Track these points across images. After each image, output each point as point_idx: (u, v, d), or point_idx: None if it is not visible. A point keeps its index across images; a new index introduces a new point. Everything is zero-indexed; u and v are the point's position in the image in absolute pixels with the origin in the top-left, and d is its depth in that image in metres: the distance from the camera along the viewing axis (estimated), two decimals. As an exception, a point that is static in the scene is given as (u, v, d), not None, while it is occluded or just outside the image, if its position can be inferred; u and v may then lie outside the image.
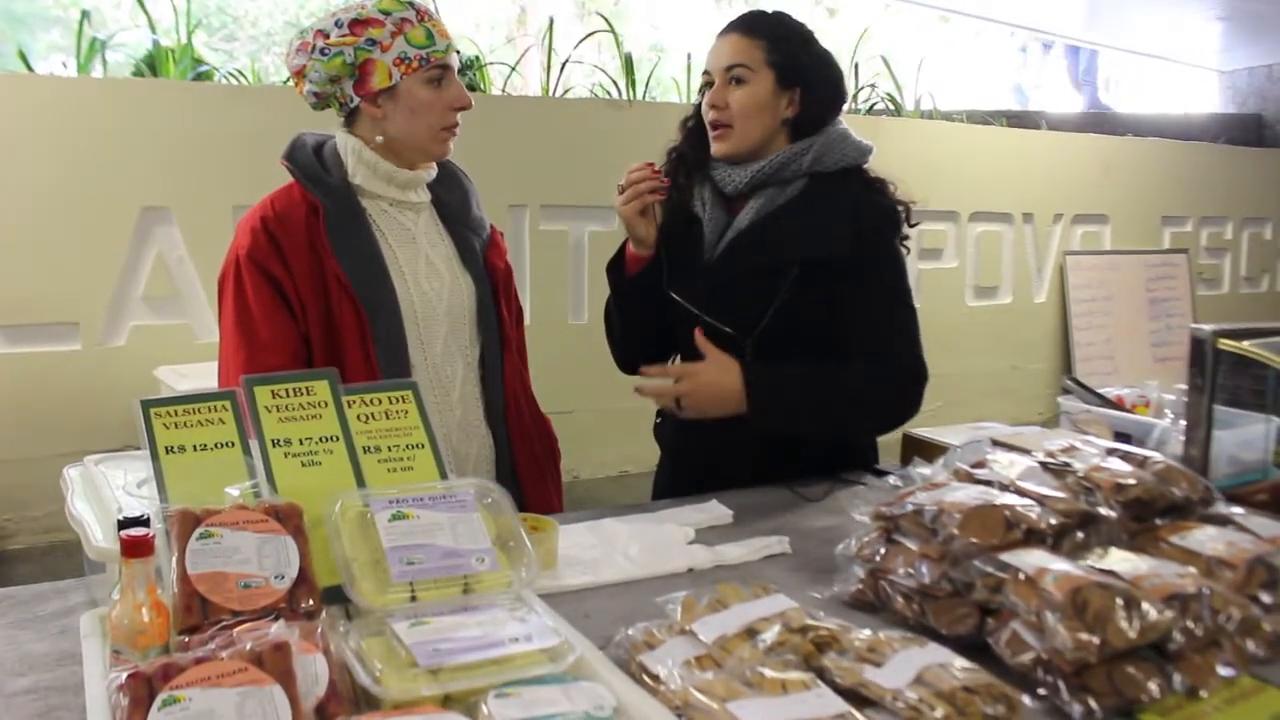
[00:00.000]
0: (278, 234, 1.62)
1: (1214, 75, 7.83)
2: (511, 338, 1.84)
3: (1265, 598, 1.12)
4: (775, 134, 1.74)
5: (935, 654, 0.99)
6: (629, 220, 1.76)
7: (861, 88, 5.43)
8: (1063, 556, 1.10)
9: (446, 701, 0.88)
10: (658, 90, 5.00)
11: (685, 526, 1.52)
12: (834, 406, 1.69)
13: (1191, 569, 1.11)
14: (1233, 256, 6.73)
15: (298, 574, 0.99)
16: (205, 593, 0.94)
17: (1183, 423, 1.53)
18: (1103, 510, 1.18)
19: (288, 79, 3.82)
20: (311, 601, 0.98)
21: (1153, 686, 0.98)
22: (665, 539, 1.47)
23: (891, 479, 1.40)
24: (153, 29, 3.98)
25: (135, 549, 0.92)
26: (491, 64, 4.72)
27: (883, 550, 1.23)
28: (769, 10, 1.79)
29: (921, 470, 1.37)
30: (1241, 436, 1.53)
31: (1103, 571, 1.06)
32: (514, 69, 4.78)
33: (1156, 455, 1.33)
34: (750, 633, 1.04)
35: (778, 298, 1.68)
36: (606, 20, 4.79)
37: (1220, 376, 1.45)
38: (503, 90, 4.73)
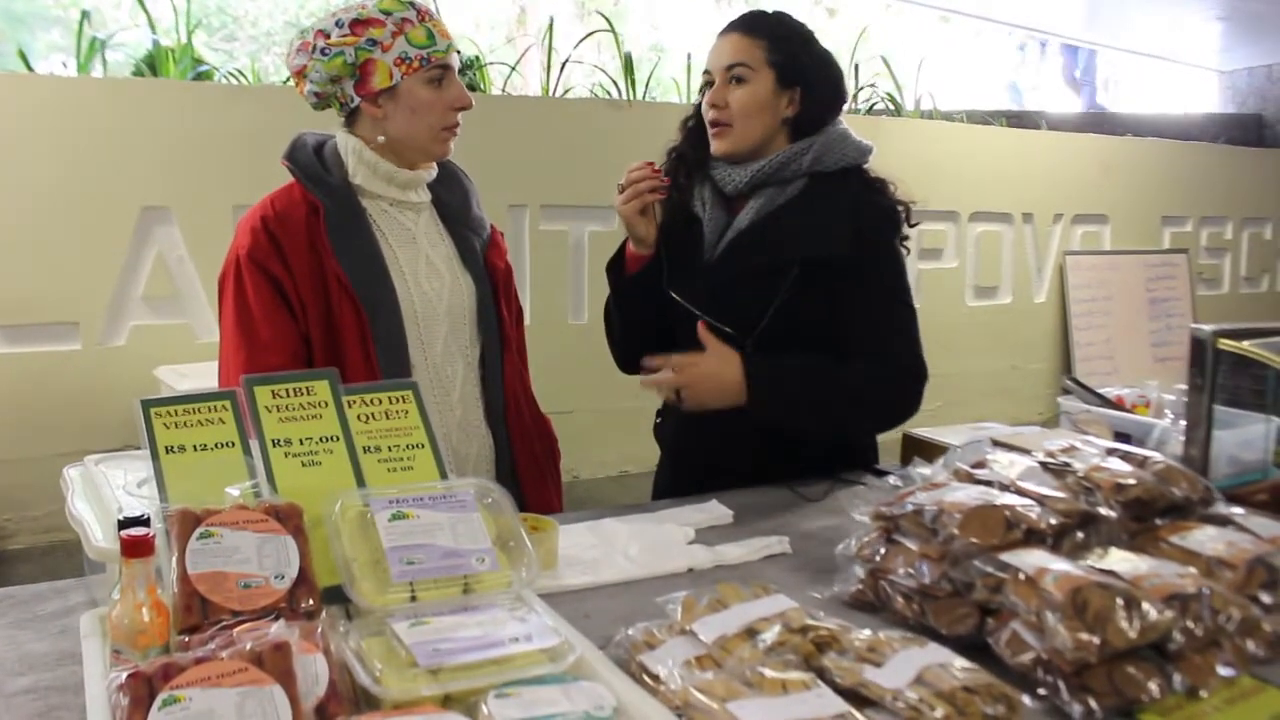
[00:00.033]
0: (278, 234, 1.62)
1: (1214, 75, 7.83)
2: (511, 338, 1.84)
3: (1265, 598, 1.12)
4: (775, 133, 1.74)
5: (935, 654, 0.99)
6: (629, 219, 1.76)
7: (862, 88, 5.43)
8: (1063, 556, 1.10)
9: (446, 701, 0.88)
10: (658, 90, 5.00)
11: (685, 526, 1.52)
12: (834, 402, 1.69)
13: (1191, 569, 1.11)
14: (1232, 256, 6.73)
15: (298, 574, 0.98)
16: (205, 592, 0.94)
17: (1183, 423, 1.53)
18: (1103, 510, 1.18)
19: (287, 79, 3.82)
20: (311, 601, 0.98)
21: (1153, 686, 0.98)
22: (665, 539, 1.47)
23: (891, 479, 1.40)
24: (153, 29, 3.98)
25: (135, 549, 0.92)
26: (491, 64, 4.72)
27: (883, 550, 1.23)
28: (769, 10, 1.79)
29: (921, 470, 1.37)
30: (1241, 436, 1.53)
31: (1103, 571, 1.06)
32: (514, 69, 4.78)
33: (1156, 455, 1.33)
34: (750, 633, 1.04)
35: (778, 297, 1.68)
36: (607, 19, 4.79)
37: (1220, 376, 1.45)
38: (503, 90, 4.73)
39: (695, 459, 1.84)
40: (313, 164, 1.68)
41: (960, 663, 0.97)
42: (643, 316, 1.82)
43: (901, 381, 1.72)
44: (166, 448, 1.10)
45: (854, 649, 1.01)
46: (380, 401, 1.23)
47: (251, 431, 1.15)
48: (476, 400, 1.77)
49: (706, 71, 1.77)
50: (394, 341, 1.65)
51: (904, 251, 1.77)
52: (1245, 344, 1.45)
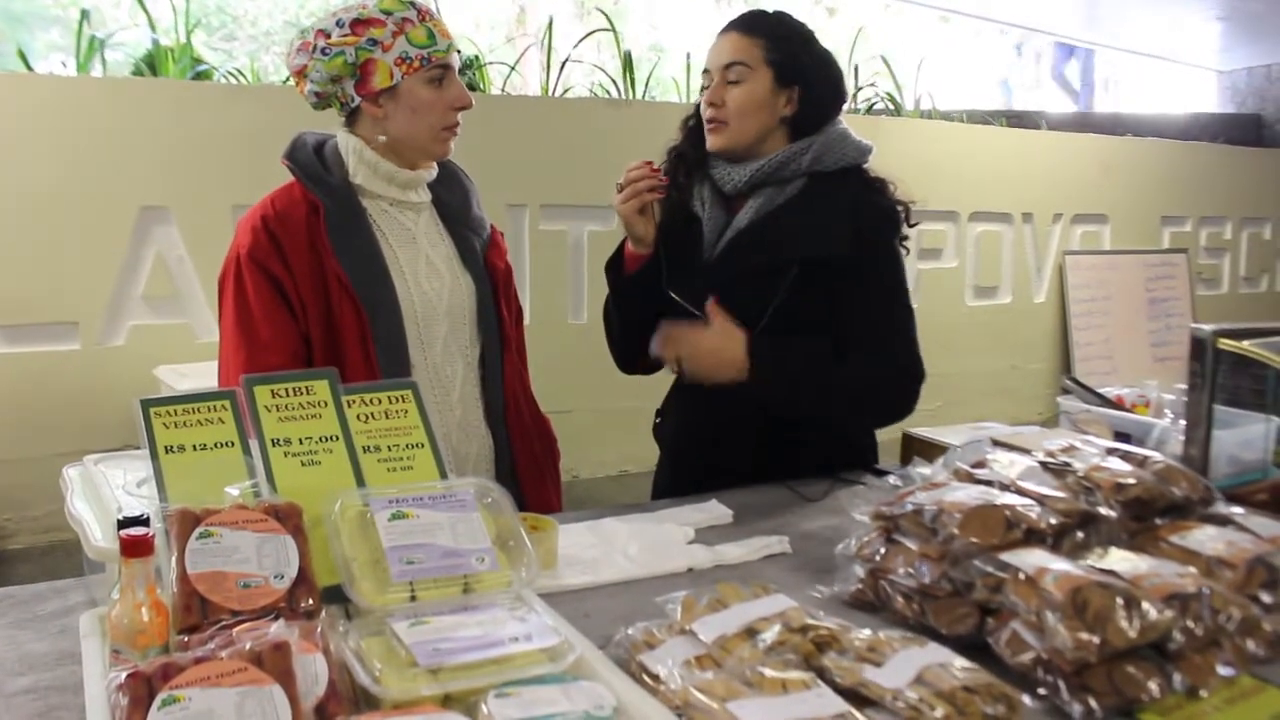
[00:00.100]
0: (278, 233, 1.61)
1: (1213, 75, 7.84)
2: (511, 338, 1.83)
3: (1265, 597, 1.12)
4: (772, 132, 1.74)
5: (935, 654, 0.99)
6: (627, 219, 1.76)
7: (861, 87, 5.44)
8: (1063, 556, 1.10)
9: (446, 701, 0.88)
10: (657, 90, 5.00)
11: (685, 526, 1.52)
12: (834, 390, 1.69)
13: (1191, 569, 1.11)
14: (1232, 256, 6.73)
15: (297, 573, 0.98)
16: (205, 592, 0.94)
17: (1182, 422, 1.53)
18: (1103, 510, 1.18)
19: (287, 78, 3.83)
20: (311, 601, 0.98)
21: (1153, 686, 0.98)
22: (665, 539, 1.47)
23: (891, 479, 1.40)
24: (152, 28, 3.98)
25: (135, 548, 0.92)
26: (491, 64, 4.72)
27: (883, 550, 1.23)
28: (769, 9, 1.79)
29: (921, 470, 1.37)
30: (1241, 436, 1.53)
31: (1103, 571, 1.06)
32: (513, 68, 4.78)
33: (1156, 455, 1.33)
34: (750, 632, 1.04)
35: (777, 297, 1.68)
36: (607, 17, 4.79)
37: (1220, 376, 1.45)
38: (502, 90, 4.73)
39: (695, 459, 1.84)
40: (313, 163, 1.68)
41: (960, 662, 0.97)
42: (642, 316, 1.82)
43: (899, 380, 1.72)
44: (166, 447, 1.10)
45: (854, 649, 1.01)
46: (380, 401, 1.23)
47: (251, 431, 1.15)
48: (476, 400, 1.77)
49: (706, 71, 1.77)
50: (394, 341, 1.65)
51: (904, 251, 1.77)
52: (1245, 344, 1.45)
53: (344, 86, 1.65)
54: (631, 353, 1.90)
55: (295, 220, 1.63)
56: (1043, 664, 1.00)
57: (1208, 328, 1.44)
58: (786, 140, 1.75)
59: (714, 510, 1.60)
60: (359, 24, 1.62)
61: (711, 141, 1.75)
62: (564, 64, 4.58)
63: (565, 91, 4.62)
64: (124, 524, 0.94)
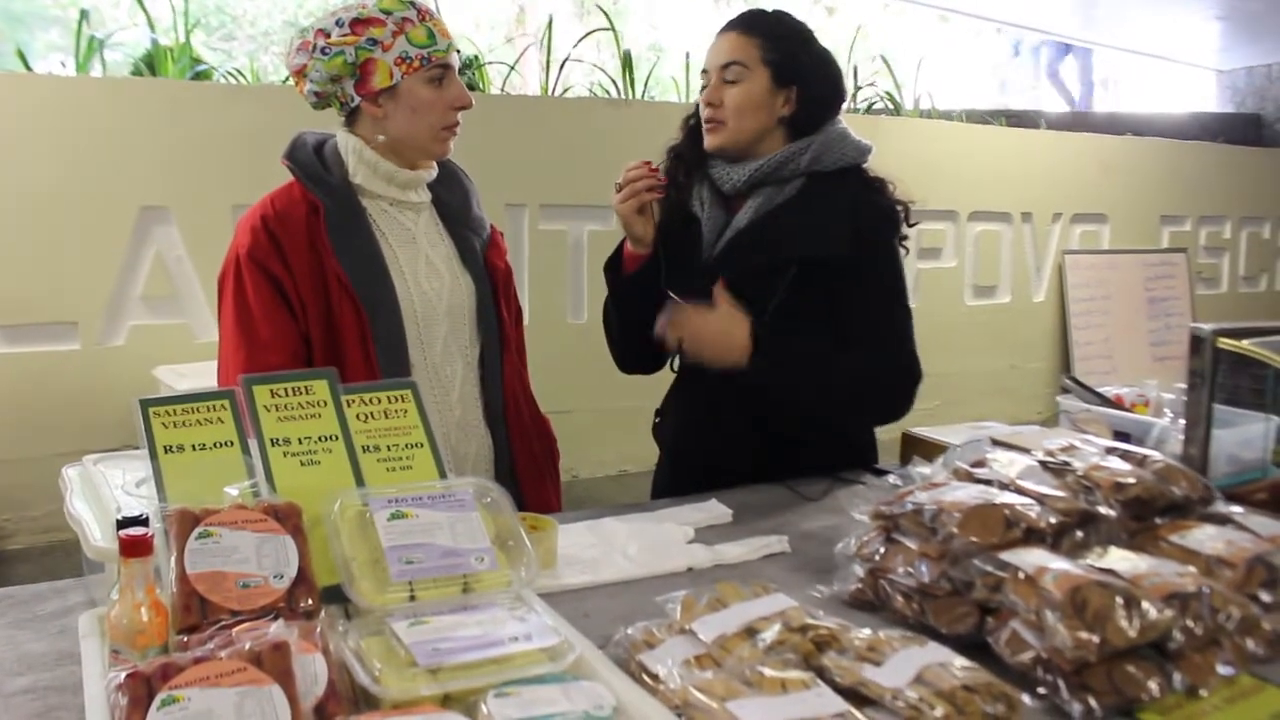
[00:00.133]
0: (278, 233, 1.61)
1: (1212, 75, 7.84)
2: (511, 337, 1.83)
3: (1265, 596, 1.12)
4: (769, 131, 1.74)
5: (935, 653, 0.99)
6: (626, 219, 1.76)
7: (861, 87, 5.44)
8: (1062, 555, 1.10)
9: (446, 701, 0.88)
10: (657, 89, 5.00)
11: (684, 526, 1.52)
12: (832, 384, 1.68)
13: (1191, 568, 1.11)
14: (1231, 256, 6.73)
15: (296, 573, 0.98)
16: (204, 592, 0.94)
17: (1182, 422, 1.53)
18: (1102, 509, 1.18)
19: (286, 78, 3.83)
20: (310, 601, 0.97)
21: (1152, 685, 0.98)
22: (664, 538, 1.47)
23: (891, 478, 1.40)
24: (151, 28, 3.98)
25: (134, 548, 0.92)
26: (490, 63, 4.72)
27: (882, 549, 1.23)
28: (768, 9, 1.79)
29: (921, 469, 1.37)
30: (1241, 435, 1.53)
31: (1102, 570, 1.06)
32: (513, 68, 4.78)
33: (1156, 454, 1.33)
34: (750, 632, 1.04)
35: (776, 297, 1.68)
36: (606, 16, 4.78)
37: (1219, 375, 1.45)
38: (502, 90, 4.73)
39: (694, 459, 1.84)
40: (313, 163, 1.68)
41: (960, 662, 0.97)
42: (641, 316, 1.82)
43: (897, 379, 1.72)
44: (165, 447, 1.10)
45: (853, 648, 1.01)
46: (379, 401, 1.23)
47: (250, 431, 1.15)
48: (476, 400, 1.77)
49: (704, 70, 1.77)
50: (394, 341, 1.65)
51: (903, 251, 1.77)
52: (1244, 343, 1.45)
53: (344, 86, 1.65)
54: (631, 353, 1.90)
55: (295, 220, 1.63)
56: (1042, 663, 1.00)
57: (1207, 327, 1.44)
58: (785, 140, 1.75)
59: (713, 510, 1.60)
60: (359, 23, 1.62)
61: (709, 141, 1.75)
62: (563, 64, 4.58)
63: (565, 91, 4.62)
64: (123, 524, 0.94)
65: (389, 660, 0.90)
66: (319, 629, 0.91)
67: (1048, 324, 5.95)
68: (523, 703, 0.85)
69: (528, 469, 1.82)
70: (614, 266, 1.86)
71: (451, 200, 1.80)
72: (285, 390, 1.19)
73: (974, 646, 1.06)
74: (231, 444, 1.13)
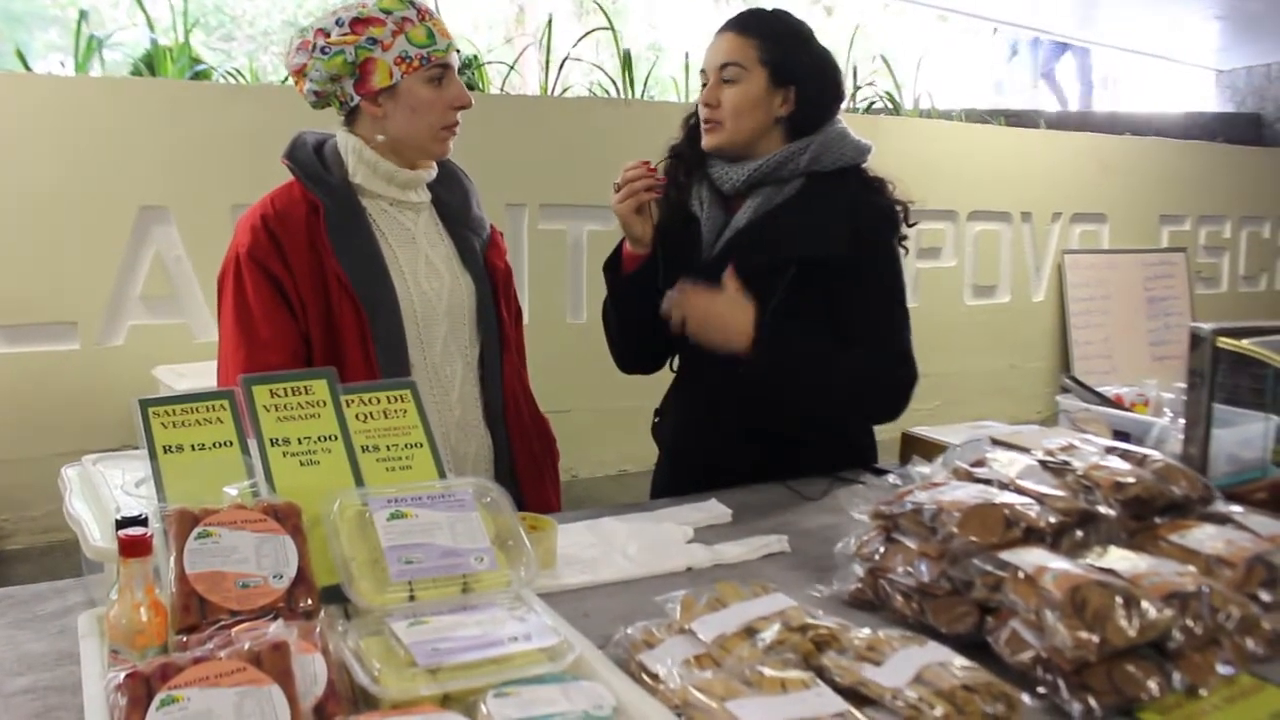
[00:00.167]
0: (278, 232, 1.61)
1: (1212, 74, 7.84)
2: (511, 337, 1.83)
3: (1264, 596, 1.12)
4: (768, 131, 1.74)
5: (935, 653, 0.99)
6: (625, 218, 1.76)
7: (860, 86, 5.43)
8: (1062, 555, 1.10)
9: (445, 701, 0.88)
10: (656, 89, 5.00)
11: (684, 525, 1.52)
12: (830, 380, 1.68)
13: (1191, 567, 1.11)
14: (1231, 255, 6.73)
15: (296, 573, 0.98)
16: (203, 592, 0.94)
17: (1181, 421, 1.53)
18: (1102, 509, 1.18)
19: (286, 78, 3.82)
20: (310, 601, 0.97)
21: (1152, 685, 0.98)
22: (664, 538, 1.47)
23: (890, 478, 1.40)
24: (151, 28, 3.98)
25: (133, 548, 0.92)
26: (490, 63, 4.72)
27: (882, 549, 1.23)
28: (767, 9, 1.79)
29: (920, 469, 1.37)
30: (1240, 435, 1.53)
31: (1102, 570, 1.06)
32: (512, 68, 4.78)
33: (1155, 454, 1.33)
34: (749, 631, 1.04)
35: (775, 297, 1.68)
36: (606, 15, 4.78)
37: (1219, 375, 1.45)
38: (501, 89, 4.73)
39: (694, 459, 1.84)
40: (313, 163, 1.68)
41: (960, 661, 0.97)
42: (640, 316, 1.82)
43: (895, 379, 1.72)
44: (164, 447, 1.10)
45: (853, 648, 1.01)
46: (379, 401, 1.23)
47: (250, 431, 1.15)
48: (475, 400, 1.77)
49: (703, 71, 1.77)
50: (393, 341, 1.65)
51: (902, 251, 1.77)
52: (1244, 342, 1.45)
53: (343, 86, 1.65)
54: (630, 352, 1.90)
55: (295, 220, 1.63)
56: (1042, 663, 1.00)
57: (1207, 326, 1.44)
58: (784, 140, 1.75)
59: (713, 509, 1.60)
60: (358, 23, 1.62)
61: (707, 141, 1.75)
62: (563, 63, 4.57)
63: (564, 91, 4.62)
64: (122, 524, 0.94)
65: (388, 660, 0.90)
66: (318, 629, 0.91)
67: (1047, 324, 5.95)
68: (522, 703, 0.85)
69: (527, 469, 1.82)
70: (613, 266, 1.86)
71: (451, 200, 1.80)
72: (285, 390, 1.19)
73: (974, 646, 1.06)
74: (231, 444, 1.13)
